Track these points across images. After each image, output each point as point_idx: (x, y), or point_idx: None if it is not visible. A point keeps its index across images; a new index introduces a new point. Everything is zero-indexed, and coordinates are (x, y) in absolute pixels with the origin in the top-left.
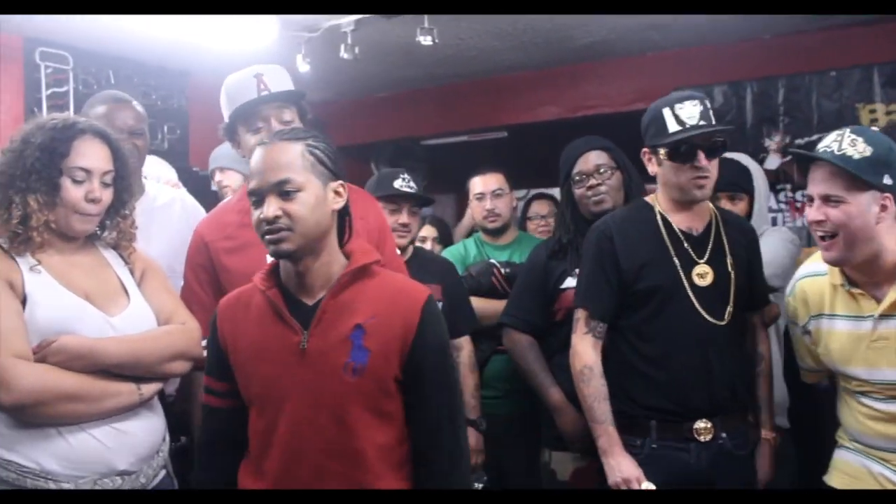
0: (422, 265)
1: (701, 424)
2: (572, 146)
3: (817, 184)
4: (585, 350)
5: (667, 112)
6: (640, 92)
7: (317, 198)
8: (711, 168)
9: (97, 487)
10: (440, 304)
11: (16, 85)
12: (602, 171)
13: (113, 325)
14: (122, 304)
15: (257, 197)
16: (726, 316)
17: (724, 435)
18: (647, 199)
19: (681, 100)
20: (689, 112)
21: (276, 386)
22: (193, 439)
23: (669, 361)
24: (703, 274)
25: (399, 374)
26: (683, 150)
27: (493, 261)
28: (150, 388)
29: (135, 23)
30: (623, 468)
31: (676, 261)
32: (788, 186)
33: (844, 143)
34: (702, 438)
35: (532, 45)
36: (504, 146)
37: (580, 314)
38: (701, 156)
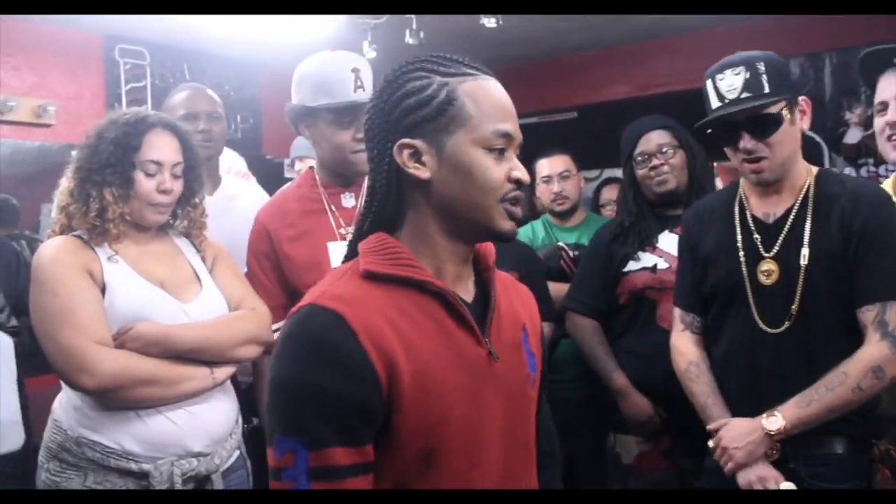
0: (498, 250)
1: None
2: (633, 126)
3: (892, 85)
4: (686, 346)
5: (709, 84)
6: (709, 68)
7: None
8: (766, 147)
9: (175, 468)
10: None
11: (97, 81)
12: (665, 150)
13: (186, 312)
14: (195, 290)
15: (505, 145)
16: (787, 322)
17: (791, 464)
18: (742, 179)
19: (722, 68)
20: (730, 82)
21: (472, 423)
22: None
23: (726, 372)
24: (767, 272)
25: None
26: (724, 129)
27: (560, 243)
28: (223, 372)
29: (207, 19)
30: (757, 469)
31: (742, 255)
32: (871, 161)
33: None
34: None
35: (598, 25)
36: (575, 126)
37: (675, 312)
38: (745, 137)
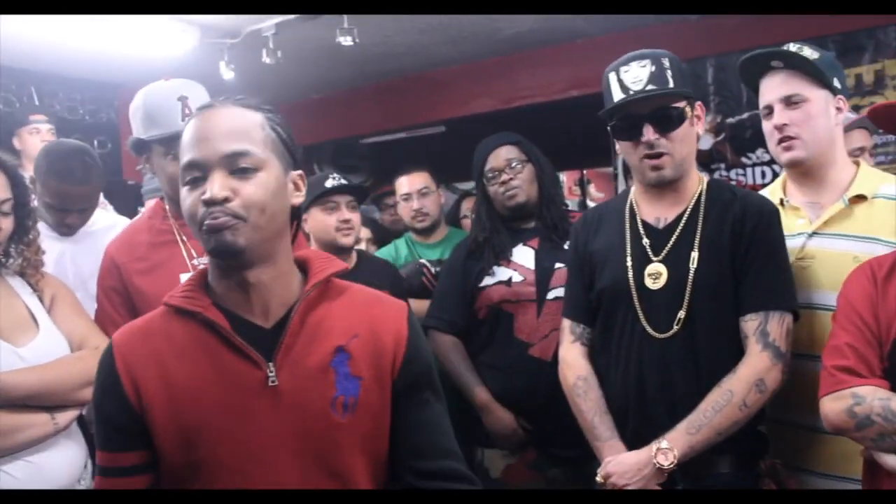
0: (372, 271)
1: None
2: (482, 144)
3: (775, 88)
4: (575, 359)
5: (612, 77)
6: (574, 80)
7: (278, 183)
8: (668, 143)
9: None
10: None
11: None
12: (513, 165)
13: (21, 357)
14: (31, 333)
15: (199, 172)
16: (675, 326)
17: (679, 486)
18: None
19: (627, 61)
20: (636, 74)
21: (238, 441)
22: None
23: (608, 381)
24: (655, 274)
25: (392, 405)
26: (627, 123)
27: (423, 261)
28: (65, 417)
29: (56, 35)
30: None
31: (630, 260)
32: (722, 165)
33: (792, 48)
34: None
35: (460, 39)
36: (443, 140)
37: (564, 323)
38: (648, 129)
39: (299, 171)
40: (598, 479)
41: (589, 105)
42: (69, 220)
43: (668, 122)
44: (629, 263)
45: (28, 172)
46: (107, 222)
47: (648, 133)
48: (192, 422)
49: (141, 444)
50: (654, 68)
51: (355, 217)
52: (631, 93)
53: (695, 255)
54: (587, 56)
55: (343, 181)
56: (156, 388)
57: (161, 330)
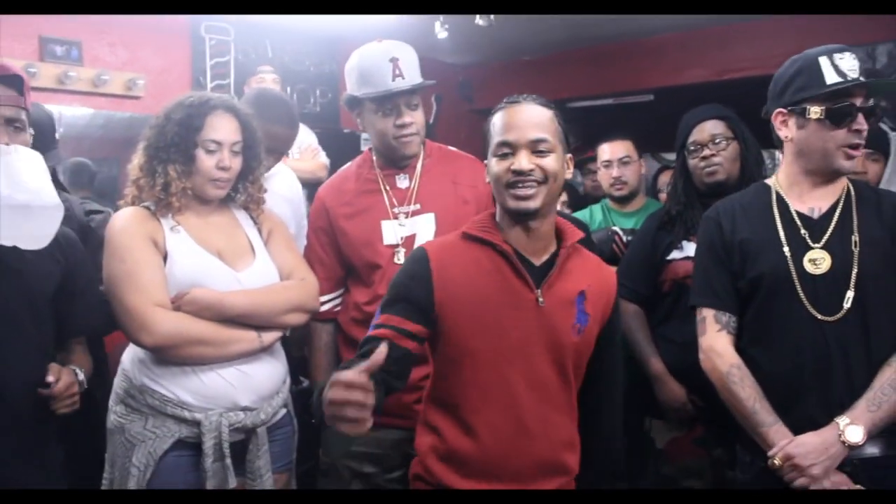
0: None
1: None
2: (690, 115)
3: None
4: (725, 348)
5: (824, 61)
6: (794, 52)
7: (561, 162)
8: (864, 136)
9: (224, 419)
10: None
11: (184, 56)
12: (717, 141)
13: (239, 280)
14: (249, 260)
15: (510, 149)
16: (843, 308)
17: (847, 468)
18: (767, 181)
19: (840, 50)
20: (850, 64)
21: (510, 338)
22: (314, 384)
23: (765, 368)
24: (817, 260)
25: (597, 339)
26: (842, 107)
27: (615, 228)
28: (269, 337)
29: None
30: (832, 479)
31: (786, 248)
32: None
33: None
34: None
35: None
36: (651, 109)
37: (704, 313)
38: (860, 118)
39: (570, 155)
40: (776, 461)
41: None
42: (268, 161)
43: (872, 116)
44: (787, 251)
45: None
46: (276, 168)
47: (862, 122)
48: (477, 318)
49: (424, 322)
50: (859, 64)
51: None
52: (848, 79)
53: (855, 238)
54: (812, 30)
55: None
56: (455, 287)
57: (463, 249)
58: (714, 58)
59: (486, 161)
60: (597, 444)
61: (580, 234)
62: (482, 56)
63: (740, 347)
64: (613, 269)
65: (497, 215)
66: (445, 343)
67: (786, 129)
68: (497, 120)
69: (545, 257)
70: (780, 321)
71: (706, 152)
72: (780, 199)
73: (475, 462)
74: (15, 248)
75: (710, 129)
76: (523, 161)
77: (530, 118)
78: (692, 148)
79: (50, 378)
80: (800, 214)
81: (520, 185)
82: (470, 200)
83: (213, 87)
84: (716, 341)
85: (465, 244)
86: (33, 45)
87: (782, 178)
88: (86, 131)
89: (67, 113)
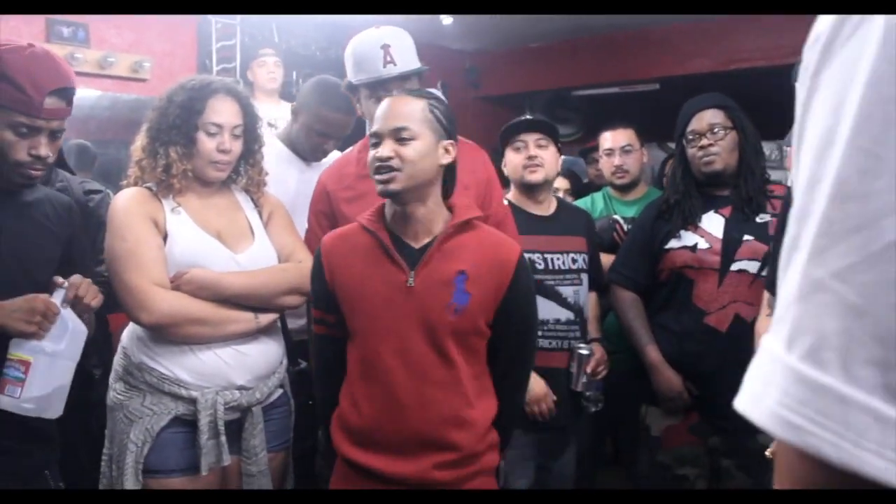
0: (569, 217)
1: None
2: (689, 103)
3: None
4: None
5: None
6: (799, 44)
7: (427, 148)
8: None
9: (219, 398)
10: (583, 257)
11: (190, 39)
12: (716, 130)
13: (238, 262)
14: (248, 242)
15: (376, 139)
16: None
17: None
18: None
19: None
20: None
21: (382, 318)
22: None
23: None
24: None
25: (490, 319)
26: None
27: (616, 217)
28: (266, 318)
29: None
30: None
31: None
32: None
33: None
34: None
35: None
36: (656, 98)
37: (766, 296)
38: None
39: (451, 141)
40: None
41: None
42: (327, 146)
43: None
44: None
45: (259, 102)
46: (333, 155)
47: None
48: (356, 302)
49: (335, 309)
50: None
51: (544, 154)
52: None
53: None
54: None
55: (528, 117)
56: (341, 276)
57: (352, 237)
58: (720, 48)
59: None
60: (499, 412)
61: (473, 213)
62: (489, 43)
63: None
64: (516, 246)
65: (387, 203)
66: (348, 321)
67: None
68: (375, 114)
69: (426, 240)
70: None
71: (704, 141)
72: None
73: (358, 432)
74: (16, 225)
75: (708, 118)
76: (383, 149)
77: (396, 109)
78: (690, 137)
79: (58, 279)
80: None
81: (382, 171)
82: (470, 186)
83: (219, 70)
84: (761, 324)
85: (358, 233)
86: (40, 27)
87: None
88: (92, 113)
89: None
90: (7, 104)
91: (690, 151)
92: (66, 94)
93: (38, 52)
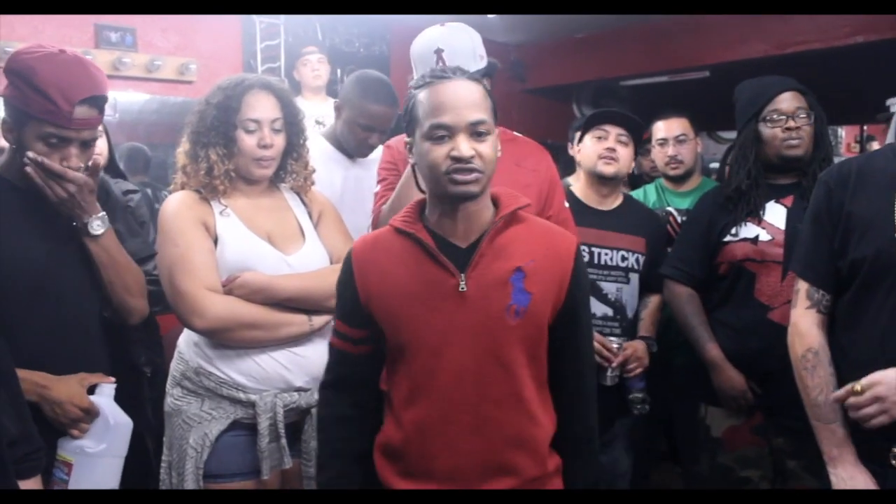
0: (634, 214)
1: None
2: (763, 83)
3: None
4: (808, 329)
5: None
6: (861, 24)
7: (497, 142)
8: None
9: (278, 400)
10: (635, 257)
11: (235, 40)
12: (800, 114)
13: (289, 264)
14: (299, 244)
15: (447, 132)
16: None
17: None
18: None
19: None
20: None
21: (434, 330)
22: None
23: (855, 361)
24: None
25: (552, 319)
26: None
27: (670, 209)
28: (319, 320)
29: None
30: (858, 482)
31: None
32: None
33: None
34: None
35: None
36: (706, 86)
37: (800, 285)
38: None
39: (499, 128)
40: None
41: (878, 53)
42: (372, 140)
43: None
44: None
45: (306, 100)
46: (380, 150)
47: None
48: (400, 313)
49: (364, 324)
50: None
51: (622, 150)
52: None
53: None
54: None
55: (617, 110)
56: (377, 284)
57: (386, 243)
58: (774, 30)
59: (407, 139)
60: (566, 438)
61: (520, 202)
62: (534, 35)
63: (833, 332)
64: (572, 236)
65: (427, 202)
66: (385, 338)
67: None
68: (427, 98)
69: (474, 238)
70: (876, 312)
71: (791, 123)
72: None
73: (406, 459)
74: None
75: (793, 101)
76: (464, 147)
77: (466, 97)
78: (775, 116)
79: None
80: None
81: (463, 171)
82: (532, 184)
83: (264, 70)
84: (802, 319)
85: (393, 237)
86: (89, 33)
87: None
88: (140, 117)
89: (122, 98)
90: (36, 114)
91: (771, 132)
92: (96, 102)
93: (69, 59)
